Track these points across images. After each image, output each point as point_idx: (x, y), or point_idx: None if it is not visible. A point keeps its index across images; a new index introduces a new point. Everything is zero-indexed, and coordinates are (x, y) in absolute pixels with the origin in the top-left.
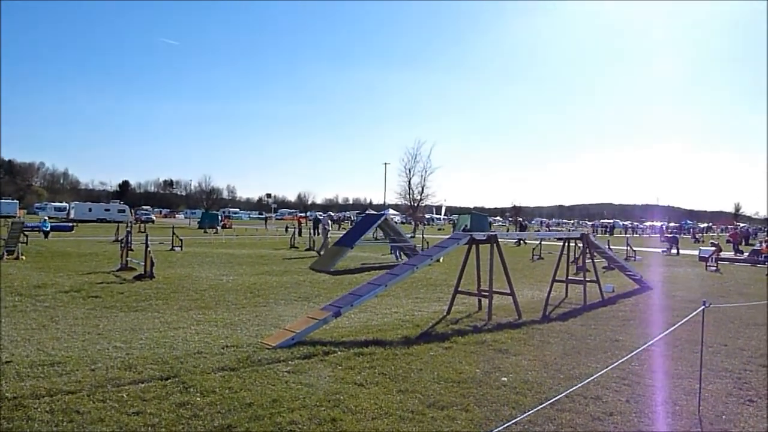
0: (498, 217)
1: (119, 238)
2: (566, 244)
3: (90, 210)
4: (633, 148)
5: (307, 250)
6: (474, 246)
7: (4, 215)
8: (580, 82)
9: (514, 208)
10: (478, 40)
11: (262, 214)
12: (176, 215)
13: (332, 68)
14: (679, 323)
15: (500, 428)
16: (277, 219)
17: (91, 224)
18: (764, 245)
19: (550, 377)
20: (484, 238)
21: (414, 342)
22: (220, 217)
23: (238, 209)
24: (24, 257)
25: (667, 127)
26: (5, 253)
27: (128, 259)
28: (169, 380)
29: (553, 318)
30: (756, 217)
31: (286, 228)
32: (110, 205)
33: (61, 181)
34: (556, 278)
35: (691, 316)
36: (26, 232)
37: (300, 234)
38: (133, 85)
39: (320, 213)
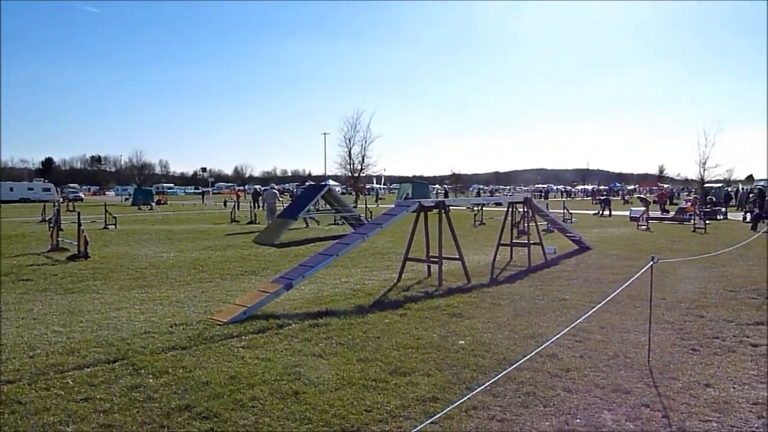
0: (437, 186)
1: (47, 218)
2: (510, 208)
3: (12, 190)
4: (565, 122)
5: (248, 223)
6: (422, 213)
7: None
8: (516, 53)
9: (454, 175)
10: (412, 9)
11: (198, 189)
12: (106, 192)
13: (264, 36)
14: (632, 279)
15: (474, 394)
16: (214, 193)
17: (13, 204)
18: (688, 204)
19: (505, 338)
20: (433, 205)
21: (368, 311)
22: (154, 193)
23: (172, 184)
24: None
25: (601, 100)
26: None
27: (59, 239)
28: (117, 363)
29: (500, 281)
30: (677, 178)
31: (225, 202)
32: (34, 184)
33: None
34: (501, 242)
35: (641, 272)
36: None
37: (238, 207)
38: (53, 54)
39: (259, 186)
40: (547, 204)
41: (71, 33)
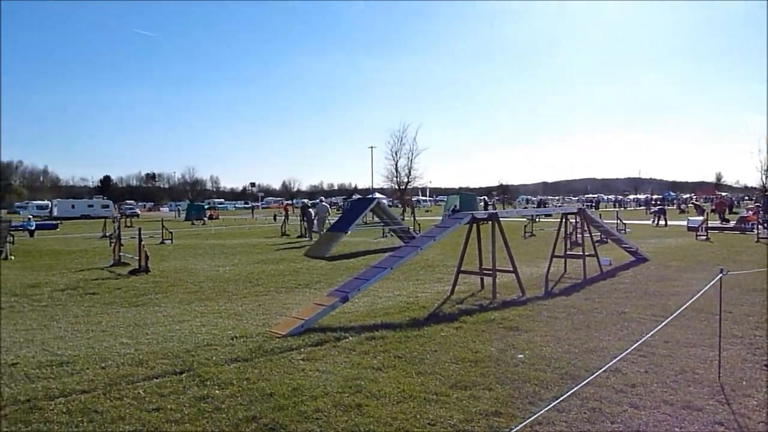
0: (484, 197)
1: (107, 234)
2: (564, 219)
3: (73, 207)
4: (614, 128)
5: (298, 237)
6: (475, 225)
7: None
8: (559, 57)
9: (501, 186)
10: (455, 20)
11: (247, 204)
12: (161, 208)
13: (309, 51)
14: (702, 291)
15: (538, 408)
16: (263, 208)
17: (75, 221)
18: (750, 213)
19: (565, 352)
20: (486, 216)
21: (423, 324)
22: (206, 208)
23: (223, 199)
24: (13, 257)
25: (652, 105)
26: None
27: (121, 254)
28: (184, 374)
29: (556, 293)
30: (736, 185)
31: (275, 216)
32: (93, 201)
33: (41, 179)
34: (554, 253)
35: (710, 285)
36: (12, 232)
37: (288, 221)
38: (110, 78)
39: (306, 200)
40: (600, 214)
41: (128, 56)
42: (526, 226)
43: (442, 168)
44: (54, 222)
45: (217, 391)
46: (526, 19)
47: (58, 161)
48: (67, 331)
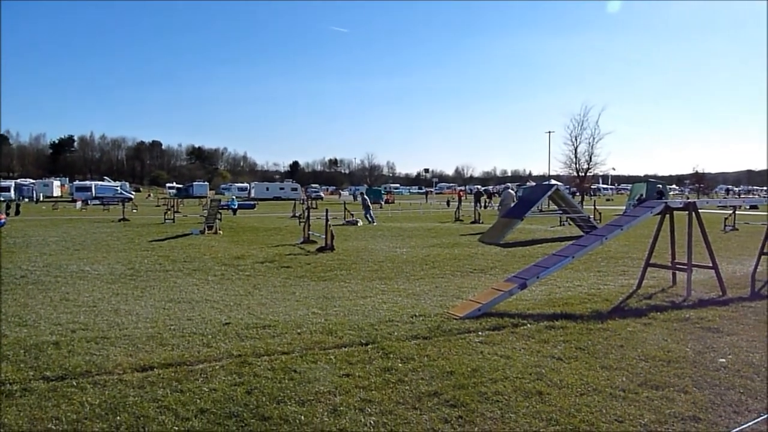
0: (674, 185)
1: (296, 214)
2: None
3: (267, 189)
4: None
5: (472, 222)
6: (668, 215)
7: (197, 195)
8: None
9: (695, 174)
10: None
11: (421, 189)
12: (341, 192)
13: (486, 38)
14: None
15: (752, 423)
16: (436, 193)
17: (268, 202)
18: None
19: None
20: (681, 205)
21: (607, 317)
22: (383, 193)
23: (398, 185)
24: (221, 232)
25: None
26: (206, 228)
27: (309, 232)
28: (369, 346)
29: (765, 295)
30: None
31: (448, 202)
32: (284, 184)
33: (242, 164)
34: (765, 250)
35: None
36: (220, 210)
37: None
38: (299, 73)
39: (479, 186)
40: None
41: (321, 51)
42: (726, 218)
43: (627, 153)
44: (252, 202)
45: (400, 364)
46: None
47: (255, 148)
48: (268, 299)
